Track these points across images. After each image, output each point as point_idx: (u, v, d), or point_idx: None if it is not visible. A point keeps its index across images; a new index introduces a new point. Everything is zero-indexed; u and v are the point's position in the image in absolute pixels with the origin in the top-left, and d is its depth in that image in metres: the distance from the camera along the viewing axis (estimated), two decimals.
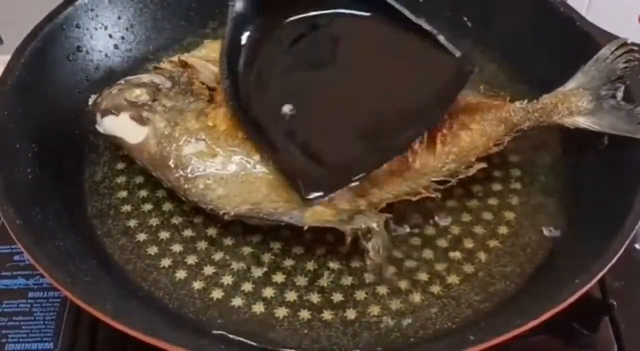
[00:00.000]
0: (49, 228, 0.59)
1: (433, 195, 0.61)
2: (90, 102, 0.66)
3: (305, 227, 0.58)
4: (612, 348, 0.61)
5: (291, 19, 0.69)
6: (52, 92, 0.69)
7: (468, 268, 0.61)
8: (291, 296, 0.59)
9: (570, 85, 0.66)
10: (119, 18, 0.76)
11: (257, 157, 0.61)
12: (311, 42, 0.68)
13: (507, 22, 0.77)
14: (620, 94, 0.65)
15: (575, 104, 0.65)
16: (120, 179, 0.67)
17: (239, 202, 0.59)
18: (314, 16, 0.69)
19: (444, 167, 0.63)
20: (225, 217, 0.59)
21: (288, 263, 0.61)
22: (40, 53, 0.69)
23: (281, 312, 0.58)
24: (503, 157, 0.68)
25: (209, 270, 0.60)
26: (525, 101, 0.66)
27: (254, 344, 0.56)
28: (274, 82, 0.66)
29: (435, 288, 0.59)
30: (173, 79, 0.66)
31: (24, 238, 0.55)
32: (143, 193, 0.66)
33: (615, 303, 0.61)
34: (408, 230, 0.63)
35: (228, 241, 0.62)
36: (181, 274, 0.60)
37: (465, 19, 0.79)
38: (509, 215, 0.65)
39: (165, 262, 0.61)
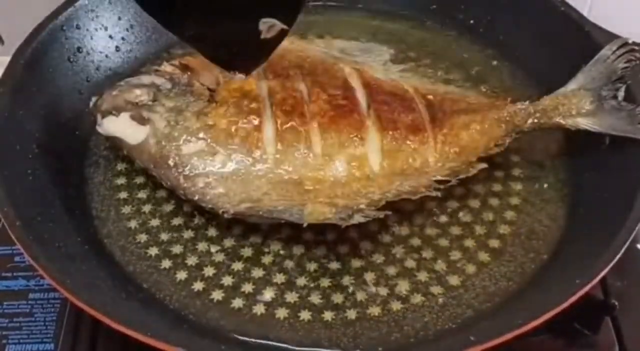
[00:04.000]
0: (49, 229, 0.59)
1: (433, 194, 0.61)
2: (91, 103, 0.66)
3: (305, 225, 0.58)
4: (614, 348, 0.61)
5: None
6: (52, 93, 0.69)
7: (469, 268, 0.61)
8: (291, 297, 0.59)
9: (571, 86, 0.66)
10: (119, 19, 0.76)
11: (257, 156, 0.61)
12: None
13: (508, 22, 0.77)
14: (621, 94, 0.65)
15: (576, 105, 0.65)
16: (121, 180, 0.67)
17: (238, 200, 0.59)
18: None
19: (445, 166, 0.63)
20: (225, 216, 0.59)
21: (288, 263, 0.61)
22: (40, 54, 0.69)
23: (282, 313, 0.58)
24: (504, 157, 0.68)
25: (209, 271, 0.60)
26: (527, 102, 0.66)
27: (255, 344, 0.56)
28: None
29: (436, 289, 0.59)
30: (173, 80, 0.66)
31: (24, 239, 0.55)
32: (143, 194, 0.66)
33: (616, 303, 0.61)
34: (408, 230, 0.63)
35: (228, 242, 0.62)
36: (181, 275, 0.60)
37: (470, 20, 0.79)
38: (510, 215, 0.64)
39: (166, 263, 0.61)
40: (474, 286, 0.59)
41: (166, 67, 0.68)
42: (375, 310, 0.58)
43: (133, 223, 0.64)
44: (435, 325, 0.57)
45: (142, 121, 0.63)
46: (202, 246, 0.62)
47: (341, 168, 0.61)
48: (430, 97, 0.66)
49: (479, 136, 0.65)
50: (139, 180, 0.67)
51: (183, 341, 0.50)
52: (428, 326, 0.57)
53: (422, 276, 0.60)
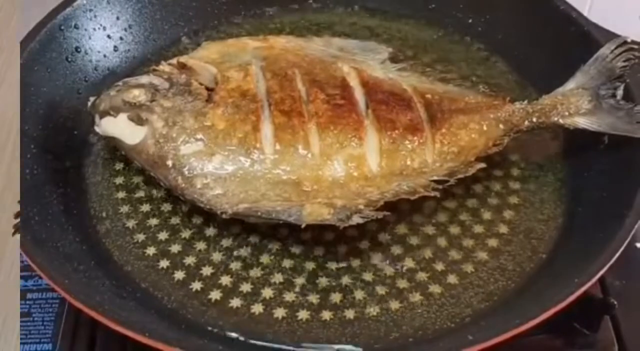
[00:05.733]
0: (47, 229, 0.59)
1: (432, 195, 0.61)
2: (89, 103, 0.66)
3: (303, 225, 0.58)
4: (613, 348, 0.61)
5: None
6: (50, 93, 0.69)
7: (467, 268, 0.60)
8: (290, 296, 0.59)
9: (570, 85, 0.66)
10: (117, 19, 0.76)
11: (255, 156, 0.61)
12: None
13: (507, 21, 0.77)
14: (620, 92, 0.65)
15: (574, 104, 0.65)
16: (119, 180, 0.67)
17: (237, 201, 0.59)
18: None
19: (443, 166, 0.63)
20: (223, 216, 0.59)
21: (287, 263, 0.61)
22: (38, 54, 0.69)
23: (280, 313, 0.57)
24: (503, 156, 0.68)
25: (207, 270, 0.60)
26: (525, 101, 0.66)
27: (253, 344, 0.56)
28: None
29: (435, 288, 0.59)
30: (171, 80, 0.66)
31: (22, 239, 0.55)
32: (141, 193, 0.66)
33: (615, 302, 0.61)
34: (407, 229, 0.63)
35: (226, 242, 0.62)
36: (180, 275, 0.60)
37: (468, 19, 0.79)
38: (509, 214, 0.64)
39: (164, 263, 0.61)
40: (472, 286, 0.59)
41: (164, 67, 0.68)
42: (373, 310, 0.58)
43: (131, 223, 0.63)
44: (433, 324, 0.57)
45: (140, 121, 0.63)
46: (200, 245, 0.62)
47: (339, 169, 0.61)
48: (429, 96, 0.66)
49: (478, 136, 0.65)
50: (137, 179, 0.67)
51: (181, 341, 0.50)
52: (427, 325, 0.57)
53: (421, 275, 0.60)
